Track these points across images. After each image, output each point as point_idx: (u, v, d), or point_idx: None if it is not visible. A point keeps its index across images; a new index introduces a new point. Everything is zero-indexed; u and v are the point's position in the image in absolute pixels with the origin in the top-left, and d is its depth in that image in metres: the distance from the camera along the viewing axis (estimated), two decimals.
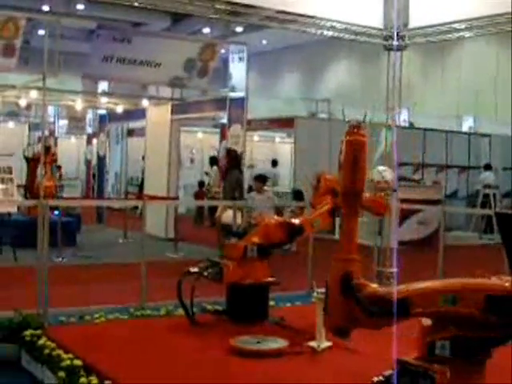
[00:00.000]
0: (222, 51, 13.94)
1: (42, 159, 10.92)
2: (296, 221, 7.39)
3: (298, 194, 14.56)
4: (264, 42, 30.80)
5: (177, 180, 16.88)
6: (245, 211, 10.01)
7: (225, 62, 14.22)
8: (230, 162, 11.46)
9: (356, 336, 6.55)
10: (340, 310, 4.61)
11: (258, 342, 6.19)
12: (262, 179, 12.61)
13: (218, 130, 20.72)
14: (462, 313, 4.24)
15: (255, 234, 7.27)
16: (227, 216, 10.72)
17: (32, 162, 14.73)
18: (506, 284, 4.21)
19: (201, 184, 21.26)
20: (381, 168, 7.85)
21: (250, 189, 14.84)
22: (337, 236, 7.59)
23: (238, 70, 13.39)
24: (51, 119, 21.89)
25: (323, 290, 6.21)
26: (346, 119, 4.76)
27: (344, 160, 4.67)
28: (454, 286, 4.38)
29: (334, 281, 4.64)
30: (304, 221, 7.38)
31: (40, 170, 12.56)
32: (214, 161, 19.29)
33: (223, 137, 15.66)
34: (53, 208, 11.36)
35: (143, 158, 19.39)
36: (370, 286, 4.57)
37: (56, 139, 22.62)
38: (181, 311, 7.28)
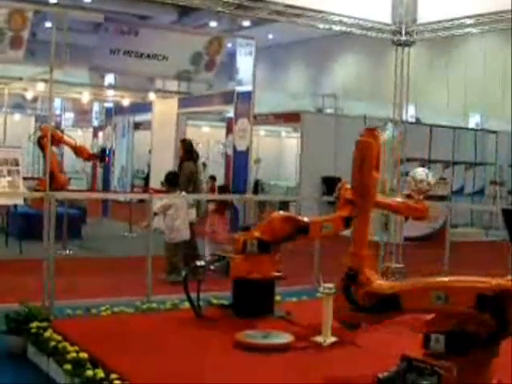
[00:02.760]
0: (229, 45, 13.91)
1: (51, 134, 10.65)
2: (304, 219, 7.37)
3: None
4: (270, 36, 30.74)
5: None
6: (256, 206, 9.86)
7: (231, 56, 14.19)
8: (185, 154, 11.07)
9: (362, 332, 6.56)
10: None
11: (264, 337, 6.18)
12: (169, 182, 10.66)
13: (224, 124, 20.70)
14: (454, 310, 4.27)
15: (258, 228, 7.25)
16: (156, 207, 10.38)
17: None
18: (493, 282, 4.27)
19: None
20: (420, 169, 7.89)
21: (256, 186, 14.39)
22: (345, 232, 7.65)
23: (245, 64, 13.36)
24: (57, 112, 21.87)
25: (330, 284, 6.23)
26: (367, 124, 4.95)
27: (353, 160, 4.76)
28: (444, 284, 4.41)
29: (340, 277, 4.66)
30: (313, 222, 7.35)
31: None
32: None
33: (230, 131, 15.62)
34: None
35: (150, 151, 19.38)
36: (376, 282, 4.58)
37: (62, 132, 22.62)
38: (187, 305, 7.28)
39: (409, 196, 7.63)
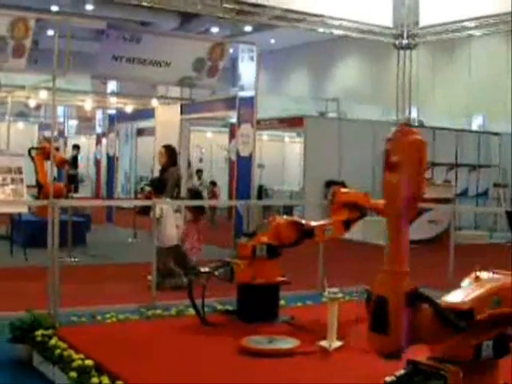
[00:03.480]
0: (231, 51, 13.93)
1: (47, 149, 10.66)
2: (311, 223, 7.40)
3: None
4: (272, 40, 30.80)
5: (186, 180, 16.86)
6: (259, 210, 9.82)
7: (233, 62, 14.21)
8: (169, 159, 11.04)
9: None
10: (405, 328, 4.26)
11: (270, 342, 6.17)
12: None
13: (227, 130, 20.73)
14: (505, 312, 4.23)
15: (265, 233, 7.27)
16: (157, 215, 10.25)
17: (37, 156, 14.26)
18: None
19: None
20: None
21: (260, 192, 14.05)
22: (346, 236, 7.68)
23: (247, 70, 13.39)
24: (61, 119, 21.92)
25: (334, 289, 6.23)
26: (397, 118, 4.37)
27: (406, 162, 4.24)
28: (498, 287, 4.35)
29: (397, 298, 4.29)
30: (317, 226, 7.39)
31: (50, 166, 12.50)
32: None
33: (233, 136, 15.64)
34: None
35: (154, 158, 19.40)
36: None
37: (66, 139, 22.68)
38: (191, 311, 7.28)
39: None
